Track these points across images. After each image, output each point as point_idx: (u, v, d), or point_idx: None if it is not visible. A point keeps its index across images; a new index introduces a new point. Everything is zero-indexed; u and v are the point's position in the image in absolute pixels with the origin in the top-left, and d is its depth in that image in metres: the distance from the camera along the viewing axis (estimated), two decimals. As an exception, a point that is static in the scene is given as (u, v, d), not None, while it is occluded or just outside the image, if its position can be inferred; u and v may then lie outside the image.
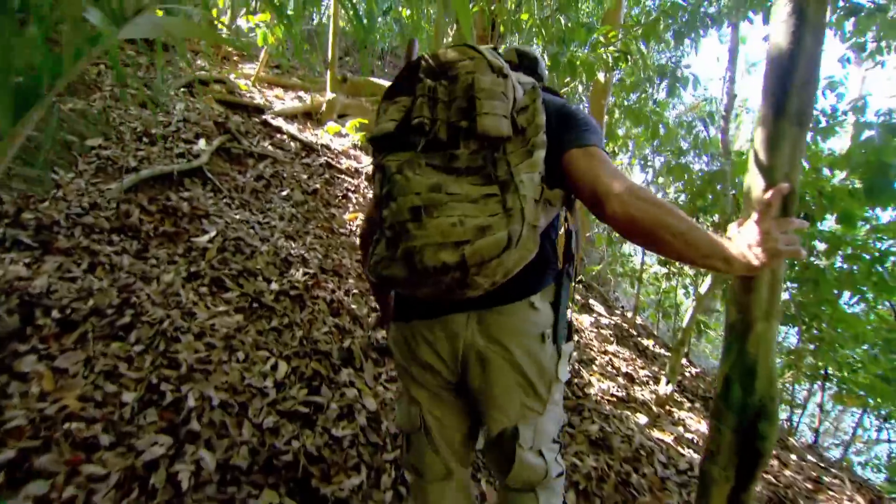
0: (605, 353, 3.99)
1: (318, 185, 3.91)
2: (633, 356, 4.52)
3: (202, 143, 3.74)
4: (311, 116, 5.57)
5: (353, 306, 2.68)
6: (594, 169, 0.92)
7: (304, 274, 2.73)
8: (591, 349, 3.97)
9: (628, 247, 6.91)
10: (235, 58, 6.07)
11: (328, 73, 5.49)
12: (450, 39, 5.59)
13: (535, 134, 0.91)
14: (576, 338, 4.02)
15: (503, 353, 1.00)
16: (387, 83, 7.34)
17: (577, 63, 3.01)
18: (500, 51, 1.20)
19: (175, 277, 2.34)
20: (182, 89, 4.54)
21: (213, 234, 2.76)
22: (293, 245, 3.07)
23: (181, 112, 4.06)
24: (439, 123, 0.92)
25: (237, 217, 3.07)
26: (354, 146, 5.10)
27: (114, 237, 2.51)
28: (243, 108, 4.85)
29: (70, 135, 3.24)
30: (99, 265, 2.28)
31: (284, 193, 3.68)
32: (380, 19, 9.57)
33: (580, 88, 4.64)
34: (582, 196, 0.96)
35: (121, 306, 2.04)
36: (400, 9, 5.31)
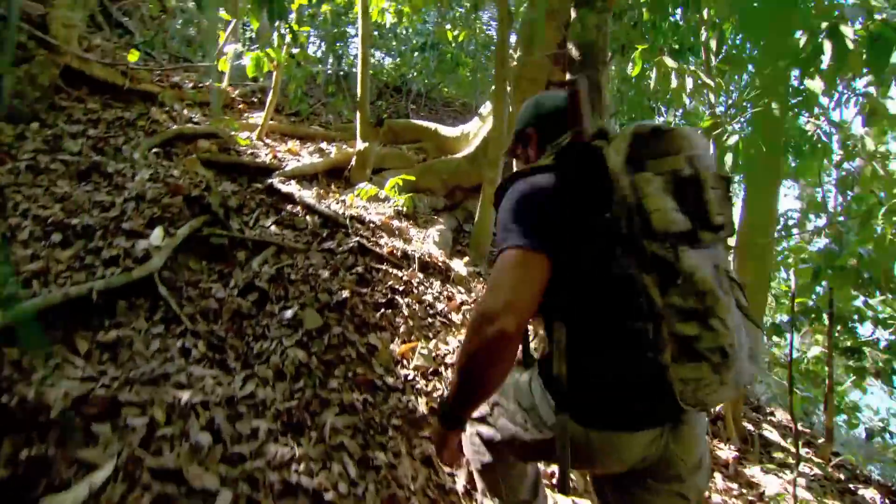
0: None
1: (346, 293, 2.36)
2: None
3: (157, 234, 2.28)
4: (338, 174, 4.13)
5: None
6: None
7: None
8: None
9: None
10: (241, 106, 4.78)
11: (358, 115, 4.08)
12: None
13: None
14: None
15: (686, 470, 0.96)
16: (435, 125, 5.93)
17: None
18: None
19: None
20: (154, 150, 3.18)
21: (106, 472, 1.20)
22: (296, 453, 1.48)
23: (140, 184, 2.65)
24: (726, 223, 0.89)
25: (185, 397, 1.52)
26: (398, 214, 3.58)
27: None
28: (242, 170, 3.45)
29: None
30: None
31: (290, 314, 2.14)
32: (416, 54, 8.37)
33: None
34: None
35: None
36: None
